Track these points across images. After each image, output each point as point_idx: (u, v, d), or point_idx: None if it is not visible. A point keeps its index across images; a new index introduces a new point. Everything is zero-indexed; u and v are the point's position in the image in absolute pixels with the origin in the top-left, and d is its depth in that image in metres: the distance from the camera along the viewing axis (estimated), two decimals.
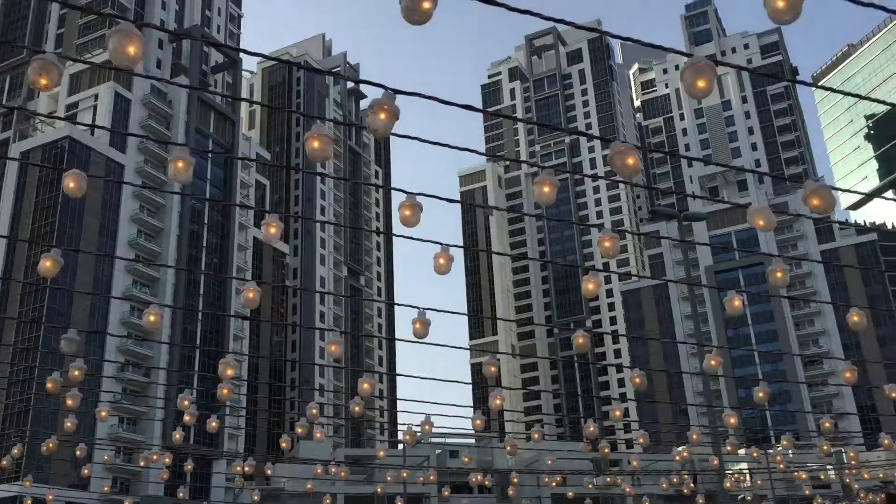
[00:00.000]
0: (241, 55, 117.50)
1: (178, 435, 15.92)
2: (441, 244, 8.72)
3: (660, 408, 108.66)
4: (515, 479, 16.13)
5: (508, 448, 12.78)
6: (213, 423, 15.03)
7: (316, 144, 6.58)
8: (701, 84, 5.40)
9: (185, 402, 13.75)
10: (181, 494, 32.01)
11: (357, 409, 11.76)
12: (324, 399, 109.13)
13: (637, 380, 9.67)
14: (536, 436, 11.70)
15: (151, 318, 10.42)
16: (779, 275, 7.59)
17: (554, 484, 14.85)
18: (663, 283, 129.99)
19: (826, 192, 6.09)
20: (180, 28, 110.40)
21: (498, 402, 10.19)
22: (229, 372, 11.59)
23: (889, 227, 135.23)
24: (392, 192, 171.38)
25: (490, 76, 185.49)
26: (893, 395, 9.94)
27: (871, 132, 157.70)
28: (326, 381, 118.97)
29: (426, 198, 8.39)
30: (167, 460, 19.32)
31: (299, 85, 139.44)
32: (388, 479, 23.86)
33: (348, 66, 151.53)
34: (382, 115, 5.85)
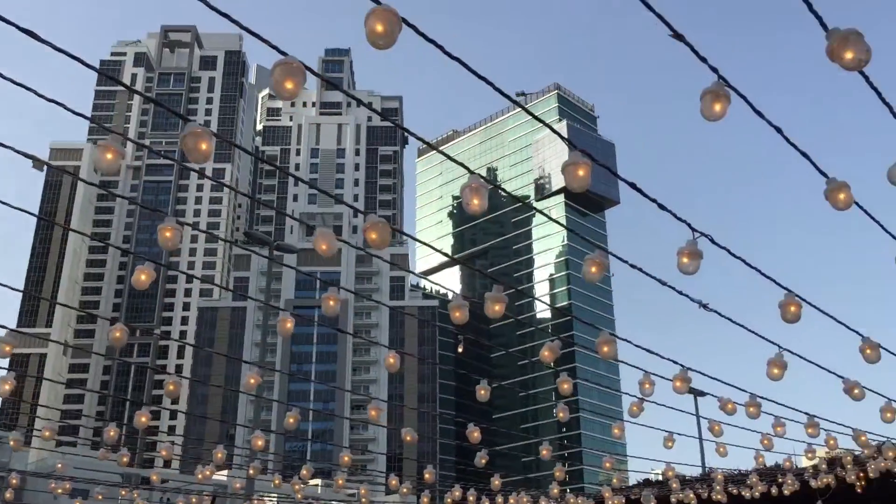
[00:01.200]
0: None
1: None
2: None
3: (209, 431, 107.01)
4: (15, 481, 14.21)
5: (12, 443, 11.28)
6: None
7: None
8: (289, 85, 5.20)
9: None
10: None
11: None
12: None
13: (172, 386, 9.12)
14: (47, 433, 10.43)
15: None
16: (332, 303, 7.70)
17: (60, 491, 13.39)
18: (242, 306, 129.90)
19: (384, 228, 6.23)
20: None
21: (7, 387, 8.88)
22: None
23: (450, 297, 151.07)
24: None
25: (113, 54, 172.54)
26: (409, 438, 10.67)
27: (454, 212, 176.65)
28: None
29: (7, 166, 7.09)
30: None
31: None
32: None
33: None
34: None
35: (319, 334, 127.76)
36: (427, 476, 12.48)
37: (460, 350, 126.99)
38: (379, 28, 4.75)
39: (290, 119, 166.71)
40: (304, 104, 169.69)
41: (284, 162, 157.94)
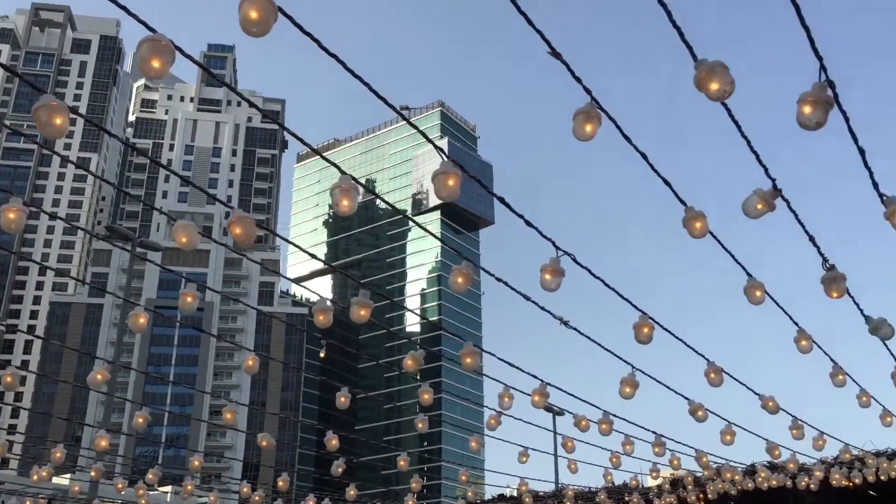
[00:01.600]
0: None
1: None
2: None
3: (54, 432, 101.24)
4: None
5: None
6: None
7: None
8: (155, 64, 4.98)
9: None
10: None
11: None
12: None
13: (9, 378, 8.52)
14: None
15: None
16: (189, 300, 7.39)
17: None
18: (98, 303, 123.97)
19: (249, 223, 6.09)
20: None
21: None
22: None
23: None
24: None
25: None
26: (265, 443, 10.39)
27: (330, 220, 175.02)
28: None
29: None
30: None
31: None
32: None
33: None
34: None
35: (181, 336, 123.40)
36: (280, 484, 12.19)
37: (322, 356, 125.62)
38: (253, 15, 4.62)
39: (166, 112, 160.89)
40: (182, 98, 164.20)
41: (156, 156, 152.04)
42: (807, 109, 4.85)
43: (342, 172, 6.06)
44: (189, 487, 11.87)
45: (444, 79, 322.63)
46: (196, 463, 10.76)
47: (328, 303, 7.79)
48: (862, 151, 5.76)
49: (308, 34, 5.24)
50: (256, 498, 12.64)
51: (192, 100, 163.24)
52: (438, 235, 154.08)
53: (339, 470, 11.53)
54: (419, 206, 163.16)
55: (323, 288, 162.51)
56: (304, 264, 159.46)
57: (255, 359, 8.87)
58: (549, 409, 14.99)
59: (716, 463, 13.77)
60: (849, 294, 6.94)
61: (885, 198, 5.86)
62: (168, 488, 57.49)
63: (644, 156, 6.04)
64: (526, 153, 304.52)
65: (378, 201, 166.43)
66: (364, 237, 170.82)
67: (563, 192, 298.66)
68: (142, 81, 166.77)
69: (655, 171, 6.23)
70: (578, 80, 5.52)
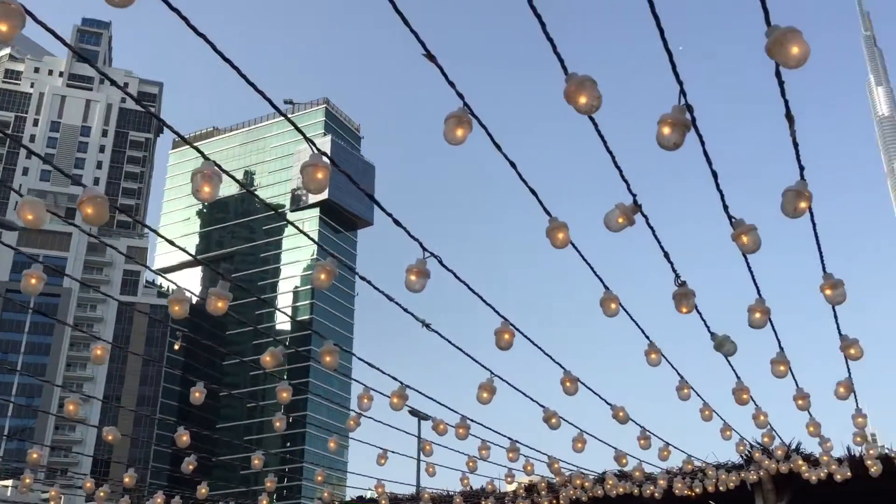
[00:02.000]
0: None
1: None
2: None
3: None
4: None
5: None
6: None
7: None
8: (2, 27, 4.75)
9: None
10: None
11: None
12: None
13: None
14: None
15: None
16: (33, 281, 6.96)
17: None
18: None
19: (100, 203, 5.82)
20: None
21: None
22: None
23: (192, 300, 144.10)
24: None
25: None
26: (110, 437, 9.94)
27: (204, 210, 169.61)
28: None
29: None
30: None
31: None
32: None
33: None
34: None
35: (33, 323, 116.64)
36: (127, 480, 11.67)
37: (176, 348, 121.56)
38: None
39: (32, 86, 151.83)
40: (51, 72, 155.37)
41: (18, 131, 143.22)
42: (665, 130, 5.04)
43: (206, 159, 5.86)
44: (27, 481, 11.18)
45: (331, 76, 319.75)
46: (35, 456, 10.15)
47: (186, 294, 7.52)
48: (715, 175, 6.05)
49: (176, 10, 5.02)
50: (101, 494, 12.05)
51: (61, 74, 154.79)
52: (317, 232, 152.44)
53: (190, 467, 11.15)
54: (298, 202, 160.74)
55: (193, 280, 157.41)
56: (173, 254, 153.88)
57: (105, 349, 8.46)
58: (414, 412, 15.02)
59: (568, 470, 14.16)
60: (697, 310, 7.27)
61: (733, 220, 6.18)
62: (8, 482, 54.21)
63: (513, 164, 6.12)
64: (411, 155, 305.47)
65: (256, 193, 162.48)
66: (239, 230, 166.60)
67: (445, 194, 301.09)
68: (6, 51, 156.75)
69: (523, 179, 6.32)
70: (452, 84, 5.53)
